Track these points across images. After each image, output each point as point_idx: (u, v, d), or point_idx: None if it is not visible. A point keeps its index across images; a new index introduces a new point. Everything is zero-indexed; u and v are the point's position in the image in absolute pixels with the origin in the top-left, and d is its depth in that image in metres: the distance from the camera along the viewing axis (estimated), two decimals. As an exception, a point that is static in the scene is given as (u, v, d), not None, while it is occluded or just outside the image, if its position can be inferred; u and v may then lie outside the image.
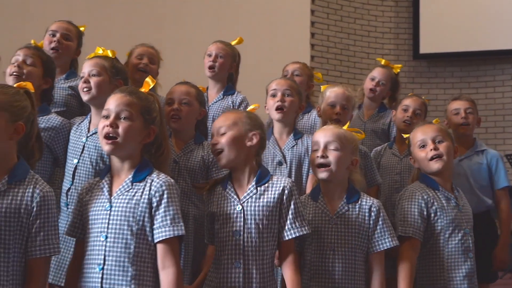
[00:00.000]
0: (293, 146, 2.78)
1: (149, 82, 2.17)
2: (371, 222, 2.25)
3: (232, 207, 2.11)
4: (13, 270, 1.83)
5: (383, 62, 3.83)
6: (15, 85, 2.04)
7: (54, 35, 3.04)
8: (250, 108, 2.39)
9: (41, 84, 2.56)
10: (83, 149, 2.45)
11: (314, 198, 2.32)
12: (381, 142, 3.46)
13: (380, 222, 2.25)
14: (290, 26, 6.11)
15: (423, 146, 2.54)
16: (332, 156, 2.26)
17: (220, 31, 4.10)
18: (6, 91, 1.92)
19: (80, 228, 2.02)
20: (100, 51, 2.57)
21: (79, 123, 2.56)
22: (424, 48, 6.64)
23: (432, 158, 2.50)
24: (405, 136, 2.81)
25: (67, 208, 2.41)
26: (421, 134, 2.56)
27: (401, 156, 3.21)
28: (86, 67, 2.51)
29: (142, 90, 2.12)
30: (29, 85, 2.03)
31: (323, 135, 2.31)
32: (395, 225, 2.42)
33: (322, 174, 2.28)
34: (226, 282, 2.05)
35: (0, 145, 1.87)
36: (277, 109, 2.76)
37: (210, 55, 3.34)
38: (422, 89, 6.57)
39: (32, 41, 2.81)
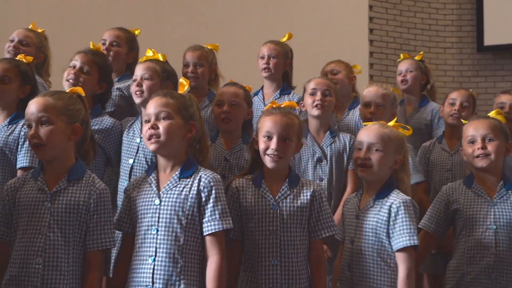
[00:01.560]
0: (332, 143, 2.89)
1: (183, 83, 2.33)
2: (390, 220, 2.26)
3: (268, 207, 2.22)
4: (73, 261, 2.03)
5: (402, 56, 4.04)
6: (67, 90, 2.26)
7: (104, 44, 3.26)
8: (284, 104, 2.47)
9: (95, 90, 2.74)
10: (137, 150, 2.62)
11: (357, 194, 2.43)
12: (424, 138, 3.47)
13: (399, 220, 2.24)
14: (348, 23, 6.12)
15: (472, 142, 2.55)
16: (374, 157, 2.31)
17: (276, 30, 4.17)
18: (61, 97, 2.14)
19: (127, 223, 2.18)
20: (150, 53, 2.73)
21: (131, 124, 2.73)
22: (488, 40, 6.46)
23: (478, 156, 2.51)
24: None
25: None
26: (472, 130, 2.57)
27: (451, 151, 3.21)
28: (139, 70, 2.67)
29: (179, 92, 2.28)
30: (80, 90, 2.25)
31: (367, 135, 2.36)
32: None
33: (363, 174, 2.35)
34: (264, 280, 2.17)
35: (61, 145, 2.08)
36: (317, 106, 2.88)
37: (263, 57, 3.42)
38: (488, 83, 6.42)
39: (91, 44, 2.99)
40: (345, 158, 2.86)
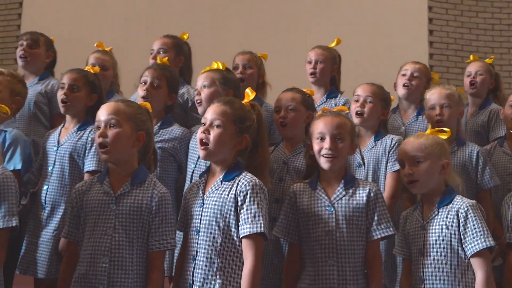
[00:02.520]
0: (372, 147, 2.89)
1: (248, 93, 2.36)
2: (460, 225, 2.24)
3: (324, 208, 2.27)
4: (137, 261, 2.13)
5: (471, 58, 3.90)
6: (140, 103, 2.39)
7: (152, 53, 3.38)
8: (336, 109, 2.50)
9: (166, 102, 2.86)
10: (199, 156, 2.64)
11: (416, 207, 2.40)
12: (483, 141, 3.40)
13: (470, 224, 2.22)
14: (407, 25, 6.07)
15: None
16: (417, 170, 2.31)
17: (334, 33, 4.19)
18: (131, 105, 2.27)
19: (185, 223, 2.26)
20: (215, 65, 2.82)
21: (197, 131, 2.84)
22: (556, 39, 6.26)
23: None
24: None
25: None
26: None
27: (514, 155, 3.14)
28: (199, 80, 2.78)
29: (244, 101, 2.32)
30: (148, 106, 2.36)
31: (405, 150, 2.37)
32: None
33: (414, 190, 2.36)
34: (322, 279, 2.21)
35: (125, 149, 2.19)
36: (356, 114, 2.89)
37: (310, 62, 3.45)
38: (555, 84, 6.21)
39: (158, 59, 3.10)
40: (384, 161, 2.83)
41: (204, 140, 2.20)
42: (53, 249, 2.63)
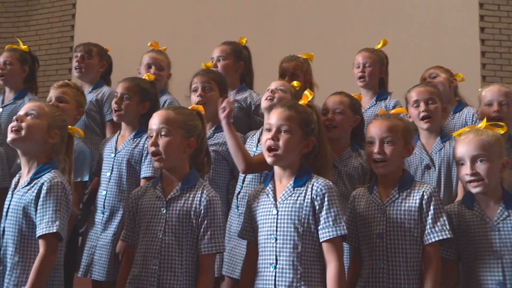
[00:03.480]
0: (441, 149, 2.85)
1: (307, 95, 2.40)
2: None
3: (376, 211, 2.28)
4: (186, 264, 2.19)
5: None
6: (189, 107, 2.46)
7: (212, 61, 3.44)
8: (394, 111, 2.51)
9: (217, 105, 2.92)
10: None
11: (469, 206, 2.32)
12: None
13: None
14: (457, 23, 5.98)
15: None
16: (481, 170, 2.25)
17: (381, 33, 4.17)
18: (182, 112, 2.34)
19: (250, 231, 2.29)
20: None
21: (252, 136, 2.90)
22: None
23: None
24: None
25: (238, 210, 2.74)
26: None
27: None
28: (273, 85, 2.86)
29: (301, 102, 2.36)
30: (200, 108, 2.44)
31: (466, 149, 2.28)
32: None
33: (476, 189, 2.27)
34: (373, 282, 2.22)
35: (176, 156, 2.27)
36: (423, 118, 2.85)
37: (358, 66, 3.46)
38: None
39: (203, 65, 3.19)
40: (455, 167, 2.70)
41: (273, 147, 2.22)
42: (112, 253, 2.72)
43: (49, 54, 6.30)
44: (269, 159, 2.23)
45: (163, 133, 2.25)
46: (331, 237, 2.11)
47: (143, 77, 3.02)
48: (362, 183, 2.70)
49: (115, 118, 2.92)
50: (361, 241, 2.31)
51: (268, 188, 2.27)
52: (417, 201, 2.24)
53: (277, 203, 2.20)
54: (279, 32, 5.78)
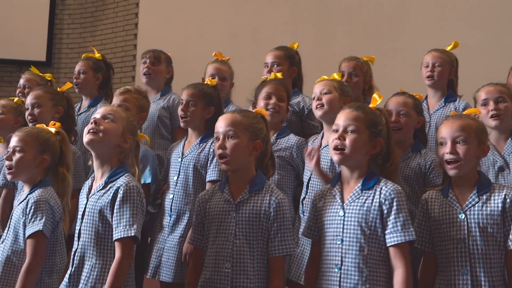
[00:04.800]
0: None
1: (376, 98, 2.40)
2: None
3: (454, 215, 2.23)
4: (258, 267, 2.22)
5: None
6: (253, 110, 2.50)
7: (267, 66, 3.47)
8: (467, 111, 2.46)
9: (284, 112, 2.99)
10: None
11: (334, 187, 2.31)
12: None
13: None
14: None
15: None
16: (460, 151, 2.23)
17: (444, 35, 4.10)
18: (247, 115, 2.37)
19: (315, 231, 2.31)
20: (325, 78, 2.90)
21: (314, 140, 2.90)
22: None
23: None
24: None
25: (304, 216, 2.74)
26: None
27: None
28: (318, 87, 2.85)
29: (371, 105, 2.36)
30: (263, 112, 2.47)
31: (449, 130, 2.27)
32: None
33: (452, 172, 2.25)
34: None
35: (243, 159, 2.30)
36: (493, 116, 2.80)
37: (427, 66, 3.43)
38: None
39: (272, 74, 3.20)
40: None
41: (339, 147, 2.22)
42: (179, 255, 2.77)
43: (113, 63, 6.36)
44: (335, 157, 2.24)
45: (230, 136, 2.29)
46: (399, 242, 2.10)
47: (206, 82, 3.09)
48: (420, 184, 2.68)
49: (182, 125, 3.00)
50: (437, 246, 2.27)
51: (335, 189, 2.28)
52: (499, 204, 2.19)
53: (344, 204, 2.21)
54: (337, 36, 5.76)
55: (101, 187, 2.32)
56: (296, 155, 2.88)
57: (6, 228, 2.54)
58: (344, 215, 2.20)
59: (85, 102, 3.81)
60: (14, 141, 2.54)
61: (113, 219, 2.24)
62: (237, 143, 2.27)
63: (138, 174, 2.43)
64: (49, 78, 3.89)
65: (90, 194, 2.35)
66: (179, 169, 2.91)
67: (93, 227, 2.27)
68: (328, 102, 2.77)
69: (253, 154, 2.32)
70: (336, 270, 2.16)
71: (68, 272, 2.30)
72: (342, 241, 2.17)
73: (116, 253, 2.21)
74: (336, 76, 2.90)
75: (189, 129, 3.01)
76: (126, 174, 2.32)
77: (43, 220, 2.37)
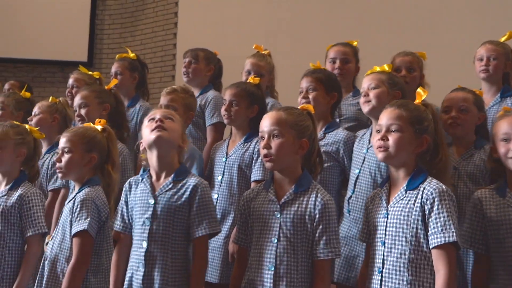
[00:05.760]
0: None
1: (420, 93, 2.34)
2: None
3: None
4: (302, 270, 2.17)
5: None
6: (299, 107, 2.46)
7: (334, 62, 3.44)
8: None
9: (328, 102, 2.92)
10: (363, 160, 2.70)
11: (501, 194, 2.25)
12: None
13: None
14: None
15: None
16: None
17: (493, 27, 3.98)
18: (292, 112, 2.32)
19: (368, 234, 2.27)
20: (377, 69, 2.83)
21: (362, 135, 2.84)
22: None
23: None
24: None
25: (349, 215, 2.72)
26: None
27: None
28: (365, 82, 2.80)
29: (416, 102, 2.31)
30: (310, 108, 2.43)
31: None
32: None
33: None
34: None
35: (289, 158, 2.26)
36: None
37: (481, 59, 3.34)
38: None
39: (311, 65, 3.16)
40: None
41: (383, 147, 2.19)
42: (224, 255, 2.77)
43: (153, 62, 6.56)
44: (379, 155, 2.21)
45: (275, 135, 2.26)
46: (440, 243, 2.04)
47: (248, 81, 3.07)
48: (486, 181, 2.59)
49: (226, 122, 3.01)
50: (494, 247, 2.22)
51: (382, 190, 2.25)
52: None
53: (389, 206, 2.18)
54: (381, 31, 5.66)
55: (169, 187, 2.35)
56: (343, 151, 2.83)
57: (56, 227, 2.59)
58: (387, 217, 2.17)
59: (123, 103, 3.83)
60: (62, 142, 2.58)
61: (195, 217, 2.29)
62: (282, 142, 2.24)
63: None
64: (97, 77, 3.95)
65: (157, 193, 2.35)
66: (224, 168, 2.92)
67: (167, 227, 2.30)
68: (375, 97, 2.71)
69: (299, 153, 2.29)
70: (378, 273, 2.13)
71: (141, 274, 2.29)
72: (384, 243, 2.15)
73: (196, 252, 2.28)
74: (386, 67, 2.83)
75: (233, 129, 3.02)
76: (193, 174, 2.39)
77: (89, 219, 2.40)
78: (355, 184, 2.72)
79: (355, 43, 3.55)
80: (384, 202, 2.20)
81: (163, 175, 2.37)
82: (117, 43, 7.02)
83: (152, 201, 2.33)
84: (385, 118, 2.22)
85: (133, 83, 3.86)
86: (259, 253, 2.22)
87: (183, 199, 2.29)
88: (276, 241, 2.19)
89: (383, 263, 2.12)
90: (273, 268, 2.17)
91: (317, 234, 2.18)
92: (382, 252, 2.13)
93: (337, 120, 3.16)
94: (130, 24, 7.03)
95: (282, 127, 2.26)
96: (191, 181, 2.32)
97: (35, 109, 3.46)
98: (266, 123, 2.29)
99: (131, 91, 3.86)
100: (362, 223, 2.33)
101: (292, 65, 3.62)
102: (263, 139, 2.28)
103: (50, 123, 3.42)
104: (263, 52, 3.71)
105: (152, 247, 2.28)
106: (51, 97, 3.57)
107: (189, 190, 2.29)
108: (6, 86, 4.55)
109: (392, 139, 2.18)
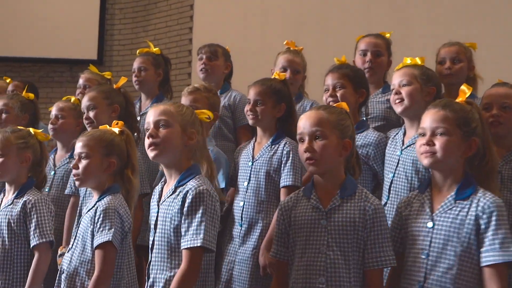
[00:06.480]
0: None
1: (465, 90, 2.26)
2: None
3: None
4: (354, 281, 2.12)
5: None
6: (335, 105, 2.40)
7: (365, 54, 3.37)
8: None
9: (356, 100, 2.88)
10: (398, 163, 2.65)
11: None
12: None
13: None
14: None
15: None
16: None
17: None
18: (333, 111, 2.27)
19: (398, 243, 2.20)
20: (408, 60, 2.75)
21: (394, 136, 2.77)
22: None
23: None
24: None
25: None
26: None
27: None
28: (396, 78, 2.71)
29: (458, 100, 2.23)
30: (344, 105, 2.36)
31: None
32: None
33: None
34: None
35: (333, 160, 2.19)
36: None
37: None
38: None
39: (335, 60, 3.12)
40: None
41: (429, 152, 2.12)
42: (253, 268, 2.72)
43: None
44: (425, 161, 2.13)
45: (317, 136, 2.20)
46: (496, 262, 1.98)
47: (273, 77, 3.00)
48: None
49: (251, 122, 2.94)
50: None
51: (424, 196, 2.18)
52: None
53: (434, 215, 2.11)
54: (414, 23, 5.55)
55: (171, 193, 2.29)
56: (374, 154, 2.78)
57: (73, 238, 2.54)
58: (433, 227, 2.09)
59: (146, 102, 3.79)
60: (78, 147, 2.53)
61: (182, 226, 2.20)
62: (326, 144, 2.19)
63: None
64: (109, 77, 3.93)
65: (161, 201, 2.32)
66: (250, 174, 2.86)
67: (166, 237, 2.26)
68: (408, 95, 2.64)
69: (343, 155, 2.23)
70: (418, 287, 2.06)
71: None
72: (428, 256, 2.07)
73: (182, 263, 2.18)
74: (418, 60, 2.74)
75: (259, 130, 2.94)
76: (196, 177, 2.28)
77: (113, 230, 2.35)
78: (389, 190, 2.65)
79: (388, 35, 3.49)
80: (427, 209, 2.13)
81: (172, 179, 2.33)
82: (129, 39, 7.02)
83: (156, 209, 2.33)
84: (429, 120, 2.15)
85: (157, 80, 3.79)
86: (306, 265, 2.16)
87: (176, 207, 2.23)
88: (325, 251, 2.14)
89: (425, 277, 2.05)
90: (324, 281, 2.11)
91: (368, 242, 2.12)
92: (425, 265, 2.06)
93: (364, 119, 3.10)
94: (143, 18, 7.01)
95: (325, 127, 2.20)
96: (188, 185, 2.24)
97: (56, 111, 3.43)
98: (306, 124, 2.23)
99: (155, 89, 3.80)
100: (392, 229, 2.23)
101: (321, 59, 3.54)
102: (303, 142, 2.22)
103: (74, 127, 3.41)
104: (295, 48, 3.66)
105: (154, 260, 2.27)
106: (73, 98, 3.53)
107: (182, 196, 2.22)
108: (10, 88, 4.51)
109: (439, 143, 2.11)
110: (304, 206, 2.24)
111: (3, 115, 3.70)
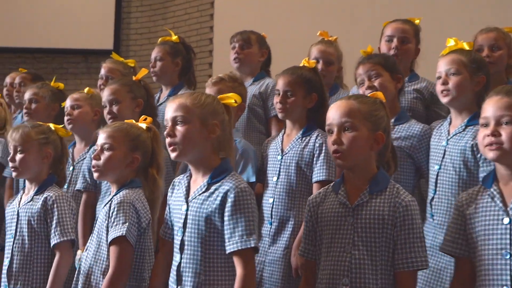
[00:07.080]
0: None
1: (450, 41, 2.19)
2: None
3: None
4: (382, 283, 2.07)
5: None
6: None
7: (391, 40, 3.31)
8: None
9: (394, 88, 2.84)
10: (444, 154, 2.61)
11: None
12: None
13: None
14: None
15: None
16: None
17: None
18: (365, 101, 2.21)
19: (461, 244, 2.13)
20: (451, 42, 2.69)
21: (438, 127, 2.73)
22: None
23: None
24: None
25: (433, 219, 2.61)
26: None
27: None
28: (443, 65, 2.64)
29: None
30: (380, 95, 2.30)
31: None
32: None
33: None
34: None
35: (363, 154, 2.15)
36: None
37: None
38: None
39: (361, 52, 3.08)
40: None
41: (494, 143, 2.05)
42: (284, 268, 2.70)
43: None
44: (490, 154, 2.06)
45: (347, 128, 2.15)
46: None
47: (303, 65, 2.95)
48: None
49: (280, 116, 2.90)
50: None
51: (492, 190, 2.09)
52: None
53: (508, 209, 2.03)
54: (444, 10, 5.49)
55: (203, 190, 2.24)
56: (419, 146, 2.75)
57: (91, 236, 2.53)
58: (510, 222, 2.01)
59: (165, 92, 3.77)
60: (102, 138, 2.51)
61: (225, 228, 2.16)
62: (355, 136, 2.14)
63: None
64: (132, 65, 3.91)
65: (190, 198, 2.28)
66: (279, 168, 2.83)
67: (200, 237, 2.21)
68: (456, 86, 2.60)
69: (375, 148, 2.18)
70: None
71: None
72: (511, 255, 2.00)
73: (237, 269, 2.13)
74: (466, 46, 2.68)
75: (288, 122, 2.91)
76: (231, 174, 2.24)
77: (127, 224, 2.31)
78: (436, 183, 2.62)
79: (417, 21, 3.42)
80: (499, 203, 2.05)
81: (200, 175, 2.28)
82: (146, 27, 7.01)
83: (185, 207, 2.27)
84: (493, 109, 2.07)
85: (175, 70, 3.76)
86: (331, 265, 2.13)
87: (214, 205, 2.19)
88: (350, 250, 2.10)
89: (511, 280, 1.97)
90: (348, 282, 2.08)
91: (398, 242, 2.07)
92: (509, 266, 1.98)
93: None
94: (161, 5, 6.99)
95: (355, 118, 2.15)
96: (227, 184, 2.20)
97: (71, 102, 3.42)
98: (335, 114, 2.18)
99: (174, 79, 3.77)
100: (450, 232, 2.17)
101: (350, 49, 3.50)
102: (331, 133, 2.18)
103: (92, 117, 3.40)
104: (329, 39, 3.63)
105: (185, 261, 2.22)
106: (87, 88, 3.52)
107: (221, 194, 2.19)
108: (17, 80, 4.51)
109: (505, 133, 2.03)
110: (332, 202, 2.21)
111: (33, 105, 3.72)
